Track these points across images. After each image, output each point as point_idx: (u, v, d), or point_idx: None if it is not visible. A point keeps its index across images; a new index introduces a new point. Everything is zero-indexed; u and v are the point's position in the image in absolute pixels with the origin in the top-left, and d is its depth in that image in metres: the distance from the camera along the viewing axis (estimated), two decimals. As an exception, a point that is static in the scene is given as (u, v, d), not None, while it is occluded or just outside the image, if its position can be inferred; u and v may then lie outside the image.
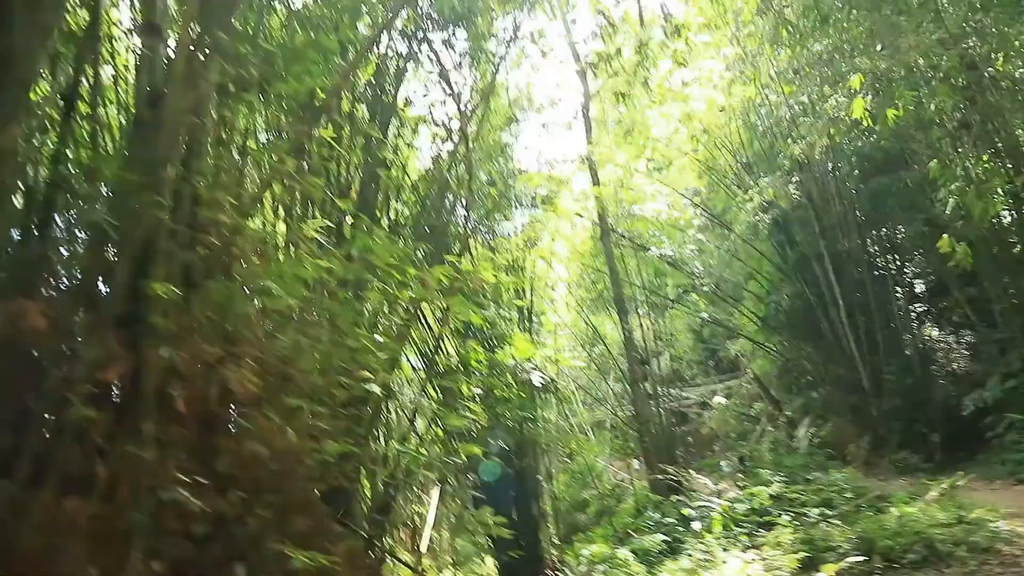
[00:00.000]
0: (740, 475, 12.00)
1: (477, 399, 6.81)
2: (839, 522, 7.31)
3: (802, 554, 6.28)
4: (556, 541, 13.35)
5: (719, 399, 16.22)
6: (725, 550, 7.85)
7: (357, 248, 4.66)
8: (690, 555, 7.30)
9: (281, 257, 4.93)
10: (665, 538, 8.53)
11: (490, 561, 12.39)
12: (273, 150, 5.03)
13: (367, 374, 4.18)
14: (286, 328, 4.01)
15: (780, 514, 7.62)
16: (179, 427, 3.31)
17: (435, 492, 13.13)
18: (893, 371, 12.95)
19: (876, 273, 13.67)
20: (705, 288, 12.85)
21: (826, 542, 6.63)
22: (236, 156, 4.98)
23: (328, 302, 4.32)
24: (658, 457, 14.28)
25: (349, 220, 6.08)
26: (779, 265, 13.58)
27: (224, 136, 4.51)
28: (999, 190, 7.13)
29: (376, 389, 4.29)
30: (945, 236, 7.06)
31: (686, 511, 8.75)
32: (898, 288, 13.91)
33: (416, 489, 13.05)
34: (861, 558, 6.06)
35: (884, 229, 13.71)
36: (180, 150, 3.70)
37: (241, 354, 3.59)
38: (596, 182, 11.99)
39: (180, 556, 3.10)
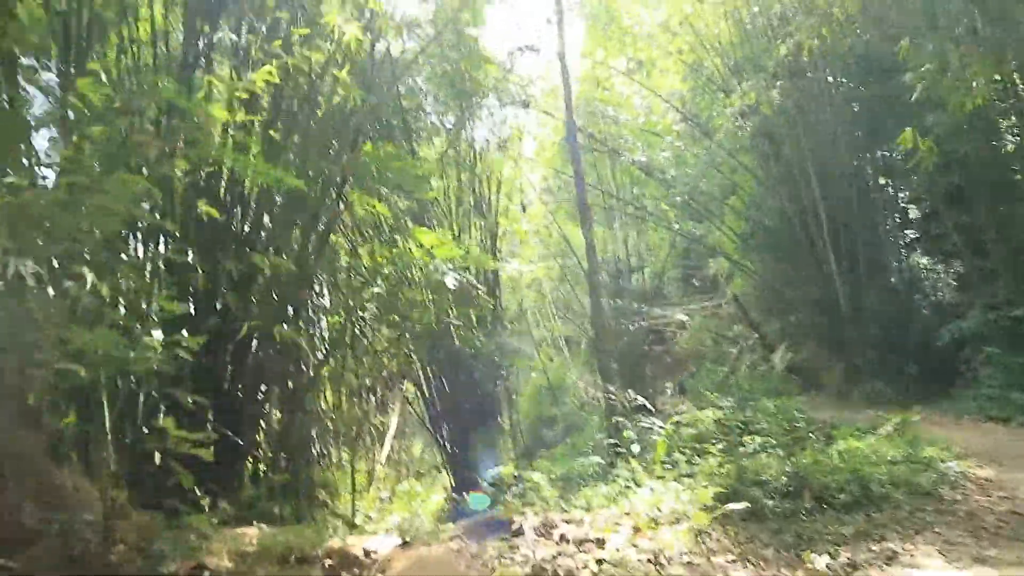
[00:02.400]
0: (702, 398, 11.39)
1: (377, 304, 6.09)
2: (781, 453, 6.62)
3: (716, 489, 5.62)
4: (513, 455, 12.84)
5: (697, 319, 15.49)
6: (659, 478, 7.26)
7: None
8: (615, 480, 6.68)
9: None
10: (599, 460, 7.92)
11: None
12: None
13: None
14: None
15: (716, 442, 6.94)
16: None
17: (396, 404, 12.71)
18: (874, 298, 12.16)
19: (866, 194, 12.69)
20: (680, 200, 11.88)
21: (756, 475, 5.96)
22: None
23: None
24: (624, 375, 13.72)
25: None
26: (762, 179, 12.59)
27: None
28: (981, 80, 6.14)
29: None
30: (908, 129, 6.14)
31: (627, 433, 8.10)
32: (888, 212, 12.95)
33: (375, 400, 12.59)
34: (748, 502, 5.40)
35: (879, 147, 12.64)
36: None
37: None
38: (567, 78, 10.91)
39: None
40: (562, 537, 4.88)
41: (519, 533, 4.93)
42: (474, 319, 7.42)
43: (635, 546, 4.69)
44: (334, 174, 5.55)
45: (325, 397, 10.82)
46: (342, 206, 5.90)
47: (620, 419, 8.76)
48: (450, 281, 6.19)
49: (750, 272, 13.69)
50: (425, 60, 10.64)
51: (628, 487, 6.50)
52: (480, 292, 6.66)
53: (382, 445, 12.31)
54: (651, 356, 15.46)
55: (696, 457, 7.09)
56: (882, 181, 12.88)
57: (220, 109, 4.68)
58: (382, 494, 10.79)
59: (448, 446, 11.32)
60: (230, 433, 5.33)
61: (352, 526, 5.86)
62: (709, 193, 12.51)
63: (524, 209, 12.31)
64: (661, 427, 8.13)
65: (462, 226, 10.69)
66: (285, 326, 5.97)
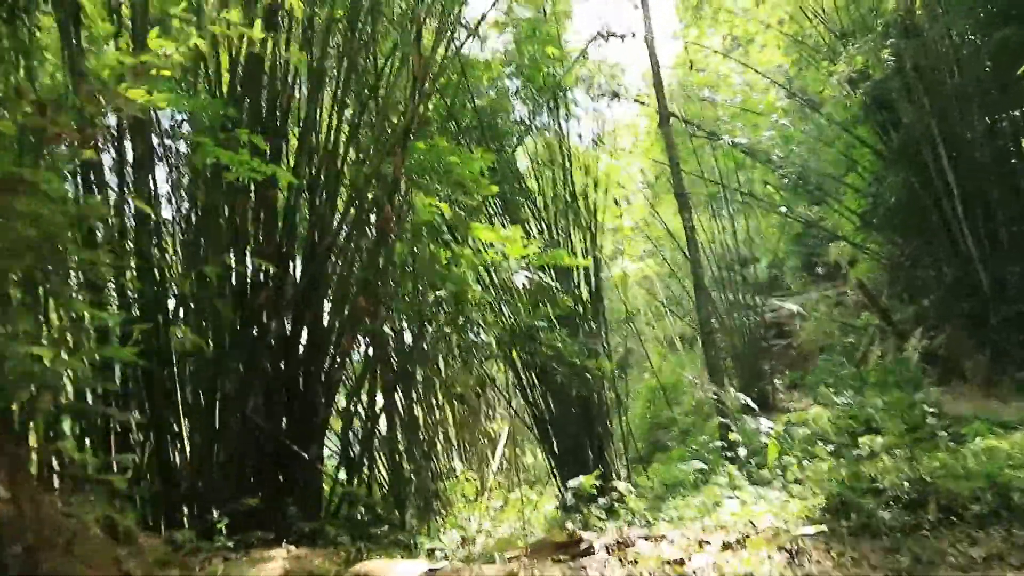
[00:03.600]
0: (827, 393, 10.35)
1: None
2: (903, 455, 5.75)
3: (820, 500, 4.88)
4: (625, 461, 12.17)
5: (819, 308, 14.26)
6: (760, 484, 6.52)
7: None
8: (710, 489, 6.02)
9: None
10: (701, 466, 7.24)
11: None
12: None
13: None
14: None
15: (823, 444, 6.12)
16: None
17: (504, 410, 12.40)
18: (1018, 273, 10.66)
19: (1004, 159, 11.18)
20: (788, 182, 10.87)
21: (871, 482, 5.15)
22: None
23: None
24: (741, 373, 12.80)
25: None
26: (881, 152, 11.35)
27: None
28: None
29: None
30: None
31: (732, 436, 7.39)
32: (1028, 176, 11.34)
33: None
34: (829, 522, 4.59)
35: (1014, 104, 11.13)
36: None
37: None
38: (656, 63, 10.26)
39: None
40: (636, 557, 4.32)
41: (588, 552, 4.41)
42: (554, 319, 6.91)
43: (719, 569, 4.07)
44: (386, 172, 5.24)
45: (428, 403, 10.71)
46: (401, 206, 5.57)
47: (725, 420, 8.05)
48: (519, 280, 5.75)
49: (874, 255, 12.42)
50: (510, 58, 10.33)
51: (729, 497, 5.83)
52: (558, 291, 6.17)
53: (494, 453, 12.03)
54: (772, 351, 14.39)
55: (805, 461, 6.32)
56: (1019, 141, 11.33)
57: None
58: (495, 503, 10.42)
59: (555, 453, 10.86)
60: (294, 445, 5.11)
61: (409, 548, 5.51)
62: (821, 172, 11.39)
63: (618, 203, 11.65)
64: (770, 428, 7.36)
65: (557, 225, 10.21)
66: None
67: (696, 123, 11.27)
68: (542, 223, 10.25)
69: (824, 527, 4.68)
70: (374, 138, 5.52)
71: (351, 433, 6.60)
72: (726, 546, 4.46)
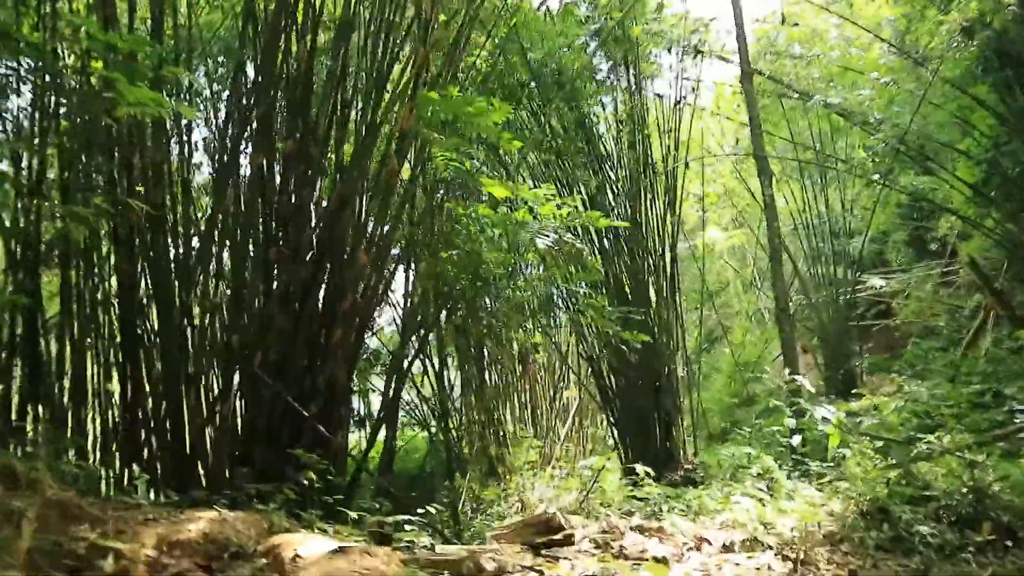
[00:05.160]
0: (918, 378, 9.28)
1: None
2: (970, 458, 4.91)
3: (860, 503, 4.21)
4: (693, 439, 11.50)
5: (925, 288, 12.88)
6: (803, 477, 5.82)
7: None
8: (739, 481, 5.40)
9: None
10: (750, 452, 6.58)
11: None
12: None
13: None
14: None
15: (885, 439, 5.33)
16: None
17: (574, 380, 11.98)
18: None
19: None
20: (888, 147, 9.66)
21: (920, 488, 4.41)
22: None
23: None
24: (827, 353, 11.79)
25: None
26: (1001, 114, 9.91)
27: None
28: None
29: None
30: None
31: (786, 422, 6.67)
32: None
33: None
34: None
35: None
36: None
37: None
38: (739, 14, 9.34)
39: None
40: (621, 551, 3.83)
41: (568, 542, 3.95)
42: (583, 284, 6.36)
43: (706, 573, 3.53)
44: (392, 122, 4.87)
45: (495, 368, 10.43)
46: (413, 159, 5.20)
47: (778, 404, 7.30)
48: (541, 243, 5.29)
49: (990, 231, 10.99)
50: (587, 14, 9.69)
51: (761, 489, 5.22)
52: (586, 253, 5.64)
53: (564, 422, 11.67)
54: (868, 331, 13.20)
55: (859, 456, 5.54)
56: None
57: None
58: (560, 471, 10.05)
59: (619, 426, 10.39)
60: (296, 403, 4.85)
61: (454, 524, 5.12)
62: (929, 136, 10.08)
63: (704, 168, 10.81)
64: (831, 415, 6.56)
65: (632, 189, 9.55)
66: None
67: (786, 82, 10.20)
68: (616, 187, 9.64)
69: (856, 535, 4.04)
70: (378, 87, 5.12)
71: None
72: (727, 547, 3.90)
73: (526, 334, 8.26)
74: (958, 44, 8.47)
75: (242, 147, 5.14)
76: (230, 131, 5.08)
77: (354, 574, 2.74)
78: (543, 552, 3.77)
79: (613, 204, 9.42)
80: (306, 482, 3.83)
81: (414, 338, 6.40)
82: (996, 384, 7.67)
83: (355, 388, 6.94)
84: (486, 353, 9.99)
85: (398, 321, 8.75)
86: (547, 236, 5.22)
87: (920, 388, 6.99)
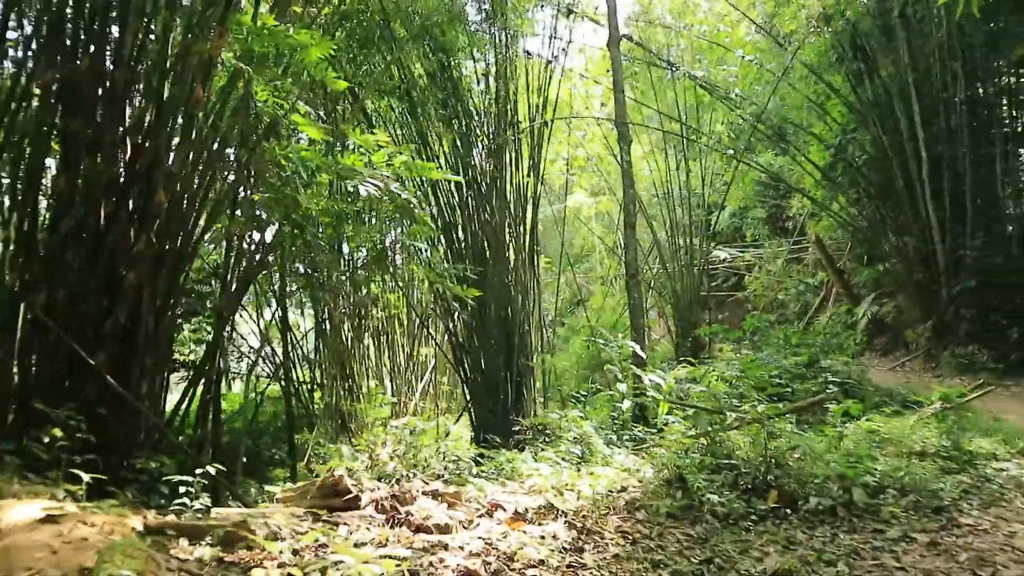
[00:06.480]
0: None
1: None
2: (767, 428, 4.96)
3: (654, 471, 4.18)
4: (543, 400, 11.49)
5: (776, 264, 13.40)
6: (618, 442, 5.82)
7: None
8: (554, 445, 5.30)
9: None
10: (579, 415, 6.51)
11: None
12: None
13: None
14: None
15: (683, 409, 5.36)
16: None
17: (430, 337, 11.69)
18: (978, 247, 9.75)
19: (982, 127, 10.11)
20: (746, 124, 9.79)
21: (723, 458, 4.41)
22: None
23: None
24: (679, 320, 12.03)
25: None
26: (852, 104, 10.26)
27: None
28: None
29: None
30: None
31: (617, 388, 6.65)
32: (1010, 148, 10.27)
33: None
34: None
35: (1002, 67, 9.99)
36: None
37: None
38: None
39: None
40: (406, 517, 3.60)
41: (353, 506, 3.68)
42: (421, 238, 6.05)
43: (488, 543, 3.33)
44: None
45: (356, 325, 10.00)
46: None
47: (612, 368, 7.31)
48: (363, 190, 4.90)
49: (835, 214, 11.45)
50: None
51: (577, 455, 5.13)
52: (416, 207, 5.29)
53: (420, 379, 11.40)
54: (724, 301, 13.61)
55: (677, 422, 5.55)
56: (1004, 112, 10.23)
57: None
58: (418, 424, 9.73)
59: (470, 386, 10.15)
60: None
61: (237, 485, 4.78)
62: (786, 117, 10.31)
63: (548, 125, 10.59)
64: (659, 382, 6.60)
65: (497, 145, 9.21)
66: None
67: (655, 51, 10.13)
68: (480, 144, 9.30)
69: (654, 504, 3.98)
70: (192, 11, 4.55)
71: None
72: (519, 515, 3.74)
73: (365, 286, 7.88)
74: (816, 30, 8.59)
75: (30, 63, 4.46)
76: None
77: (54, 544, 2.37)
78: (324, 518, 3.49)
79: (475, 161, 9.10)
80: (48, 440, 3.35)
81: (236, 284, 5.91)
82: (821, 356, 7.96)
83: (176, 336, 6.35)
84: (342, 304, 9.57)
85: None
86: (374, 185, 4.83)
87: (762, 357, 7.15)
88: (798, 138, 10.99)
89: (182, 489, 3.55)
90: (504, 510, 3.81)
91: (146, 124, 4.46)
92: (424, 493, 3.93)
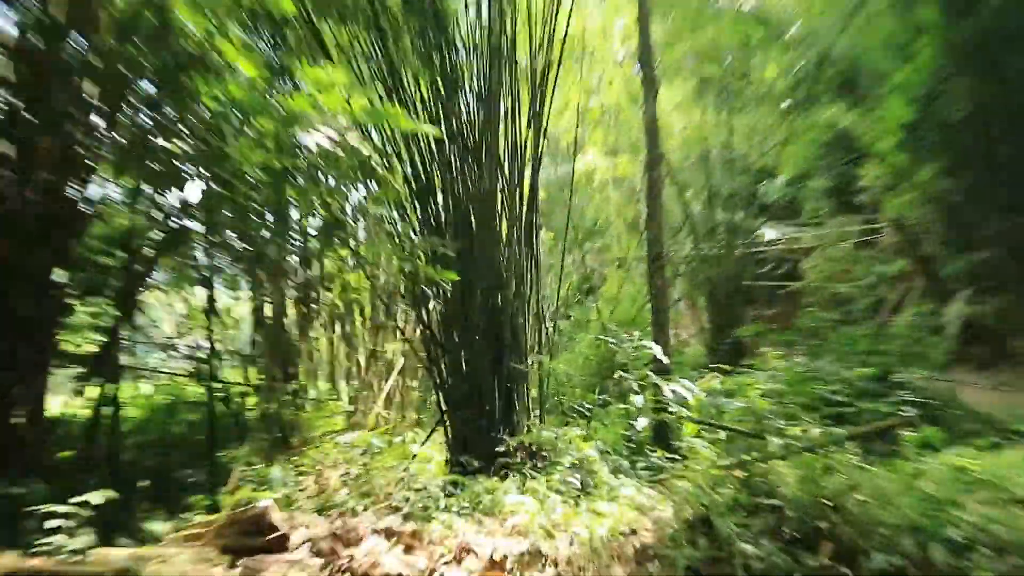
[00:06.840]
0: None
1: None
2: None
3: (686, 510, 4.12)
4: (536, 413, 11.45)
5: (839, 248, 13.34)
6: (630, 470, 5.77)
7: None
8: (549, 474, 5.25)
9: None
10: (580, 433, 6.51)
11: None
12: None
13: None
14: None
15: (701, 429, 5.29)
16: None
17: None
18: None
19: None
20: (805, 68, 9.68)
21: (763, 497, 4.34)
22: None
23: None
24: (714, 316, 12.00)
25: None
26: (948, 44, 10.14)
27: None
28: None
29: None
30: None
31: (631, 401, 6.60)
32: None
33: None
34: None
35: None
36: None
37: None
38: None
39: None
40: (349, 563, 3.55)
41: (281, 547, 3.63)
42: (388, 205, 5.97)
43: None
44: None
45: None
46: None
47: (626, 376, 7.24)
48: (310, 140, 4.83)
49: (920, 185, 11.38)
50: None
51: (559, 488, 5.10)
52: (376, 164, 5.22)
53: (384, 381, 11.37)
54: (766, 295, 13.55)
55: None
56: None
57: None
58: (376, 442, 9.75)
59: (446, 392, 10.08)
60: None
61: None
62: (857, 61, 10.20)
63: (581, 75, 10.52)
64: (687, 396, 6.55)
65: (488, 88, 9.11)
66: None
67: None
68: (465, 86, 9.21)
69: (673, 553, 3.92)
70: None
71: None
72: (495, 563, 3.68)
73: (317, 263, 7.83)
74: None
75: None
76: None
77: None
78: (241, 563, 3.43)
79: (460, 108, 9.00)
80: None
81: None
82: (897, 368, 7.92)
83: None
84: (286, 286, 9.53)
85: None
86: (325, 135, 4.74)
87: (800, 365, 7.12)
88: (874, 88, 10.89)
89: (57, 523, 3.48)
90: (477, 556, 3.75)
91: (25, 47, 4.38)
92: (375, 531, 3.88)
